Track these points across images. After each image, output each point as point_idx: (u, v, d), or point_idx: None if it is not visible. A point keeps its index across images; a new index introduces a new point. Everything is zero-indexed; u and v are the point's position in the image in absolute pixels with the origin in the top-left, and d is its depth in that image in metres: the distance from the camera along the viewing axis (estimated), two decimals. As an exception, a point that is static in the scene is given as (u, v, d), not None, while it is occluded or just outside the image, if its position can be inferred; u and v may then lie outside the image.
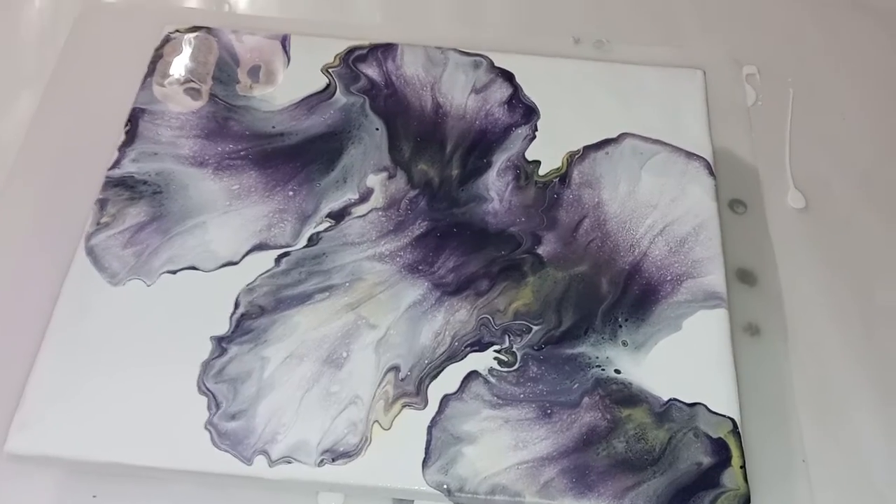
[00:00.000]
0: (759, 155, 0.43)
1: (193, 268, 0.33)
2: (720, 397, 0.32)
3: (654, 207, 0.36)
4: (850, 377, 0.36)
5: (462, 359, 0.32)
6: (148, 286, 0.33)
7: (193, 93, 0.38)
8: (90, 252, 0.34)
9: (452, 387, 0.31)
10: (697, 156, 0.38)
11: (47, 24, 0.47)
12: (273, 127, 0.37)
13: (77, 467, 0.31)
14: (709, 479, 0.30)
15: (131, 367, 0.31)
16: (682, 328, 0.33)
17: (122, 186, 0.35)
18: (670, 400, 0.31)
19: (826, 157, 0.43)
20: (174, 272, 0.33)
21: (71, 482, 0.32)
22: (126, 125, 0.37)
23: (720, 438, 0.31)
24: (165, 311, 0.32)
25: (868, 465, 0.34)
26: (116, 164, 0.36)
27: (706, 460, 0.30)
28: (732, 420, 0.31)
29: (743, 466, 0.30)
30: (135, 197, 0.35)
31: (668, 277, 0.34)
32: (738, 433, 0.31)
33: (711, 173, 0.37)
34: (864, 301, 0.38)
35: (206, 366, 0.31)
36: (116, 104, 0.41)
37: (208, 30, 0.40)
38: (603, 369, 0.32)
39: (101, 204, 0.35)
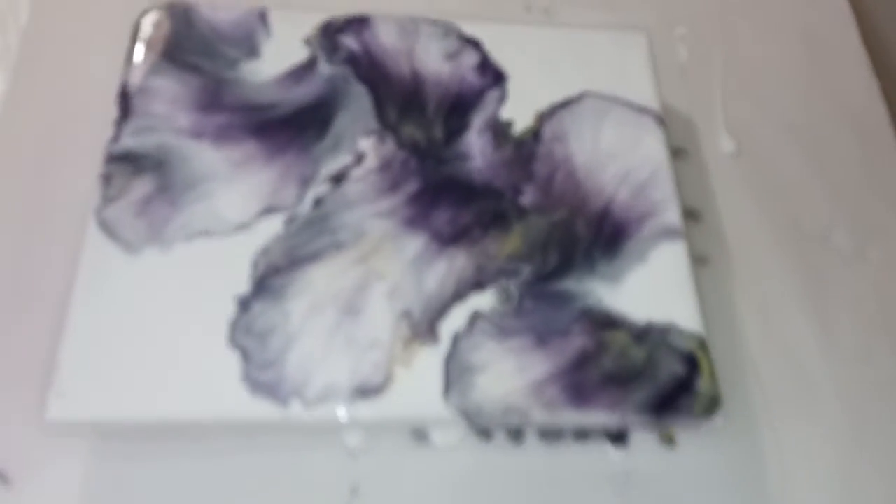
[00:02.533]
0: (694, 107, 0.48)
1: (207, 233, 0.36)
2: (687, 317, 0.37)
3: (615, 157, 0.41)
4: (786, 292, 0.42)
5: (465, 299, 0.36)
6: (164, 253, 0.35)
7: (182, 67, 0.40)
8: (102, 224, 0.35)
9: (460, 325, 0.35)
10: (648, 109, 0.42)
11: (5, 2, 0.46)
12: (264, 98, 0.39)
13: (114, 431, 0.33)
14: (686, 386, 0.35)
15: (160, 330, 0.33)
16: (648, 260, 0.38)
17: (125, 160, 0.37)
18: (647, 322, 0.36)
19: (752, 108, 0.49)
20: (189, 238, 0.35)
21: (104, 445, 0.34)
22: (118, 101, 0.38)
23: (691, 352, 0.36)
24: (185, 275, 0.35)
25: (804, 363, 0.40)
26: (115, 139, 0.37)
27: (681, 371, 0.35)
28: (700, 336, 0.36)
29: (713, 374, 0.35)
30: (138, 170, 0.37)
31: (634, 217, 0.39)
32: (706, 346, 0.36)
33: (661, 124, 0.42)
34: (793, 229, 0.44)
35: (233, 323, 0.34)
36: (90, 81, 0.42)
37: (186, 5, 0.42)
38: (586, 300, 0.36)
39: (107, 178, 0.36)
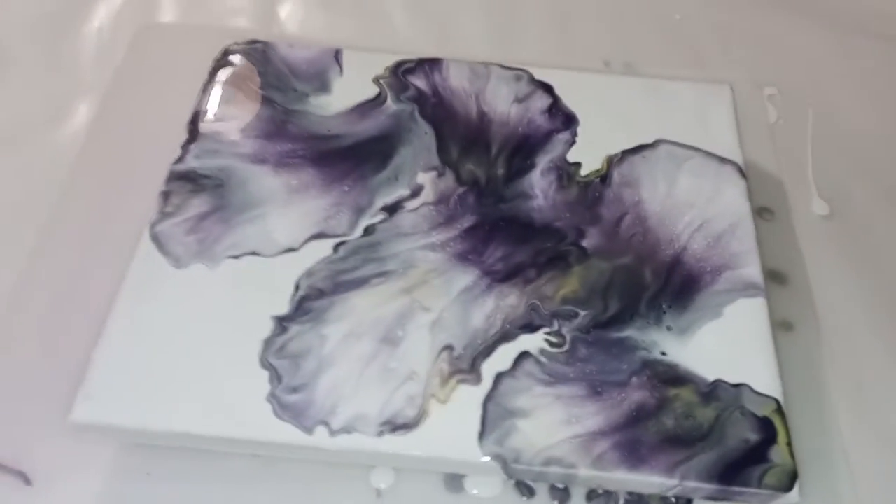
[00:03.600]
0: (783, 168, 0.45)
1: (255, 253, 0.35)
2: (763, 379, 0.33)
3: (691, 206, 0.38)
4: (882, 367, 0.37)
5: (513, 340, 0.33)
6: (211, 270, 0.34)
7: (253, 98, 0.40)
8: (155, 238, 0.35)
9: (505, 365, 0.32)
10: (729, 160, 0.40)
11: (106, 41, 0.49)
12: (328, 130, 0.40)
13: (135, 439, 0.32)
14: (757, 455, 0.31)
15: (195, 343, 0.32)
16: (723, 315, 0.34)
17: (186, 180, 0.37)
18: (716, 380, 0.32)
19: (845, 170, 0.45)
20: (236, 257, 0.35)
21: (125, 459, 0.33)
22: (189, 125, 0.39)
23: (766, 417, 0.32)
24: (227, 293, 0.34)
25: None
26: (180, 159, 0.38)
27: (753, 437, 0.31)
28: (776, 400, 0.32)
29: (790, 444, 0.31)
30: (198, 189, 0.37)
31: (708, 269, 0.36)
32: (783, 412, 0.32)
33: (743, 176, 0.39)
34: (891, 299, 0.40)
35: (267, 343, 0.32)
36: (171, 115, 0.43)
37: (265, 43, 0.43)
38: (649, 352, 0.33)
39: (166, 195, 0.37)
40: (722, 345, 0.34)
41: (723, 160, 0.40)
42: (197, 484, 0.33)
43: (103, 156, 0.43)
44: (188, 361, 0.32)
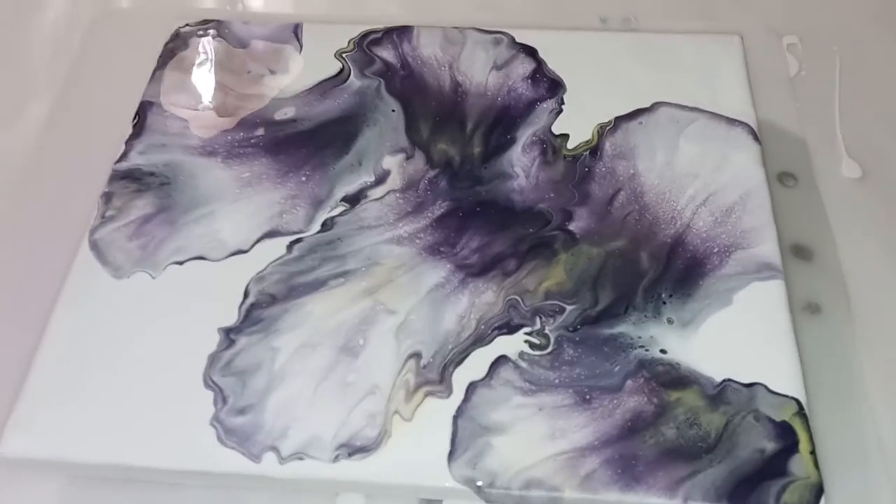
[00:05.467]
0: (807, 126, 0.40)
1: (201, 258, 0.31)
2: (781, 376, 0.28)
3: (695, 177, 0.33)
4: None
5: (489, 343, 0.29)
6: (153, 278, 0.31)
7: (204, 84, 0.37)
8: (94, 246, 0.32)
9: (479, 373, 0.28)
10: (739, 122, 0.35)
11: (61, 31, 0.46)
12: (285, 114, 0.36)
13: (76, 471, 0.29)
14: (774, 467, 0.26)
15: (135, 363, 0.29)
16: (733, 302, 0.30)
17: (129, 179, 0.34)
18: (725, 380, 0.28)
19: (879, 127, 0.40)
20: (181, 263, 0.31)
21: (72, 491, 0.30)
22: (134, 118, 0.36)
23: (784, 422, 0.27)
24: (171, 304, 0.30)
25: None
26: (123, 157, 0.34)
27: (770, 446, 0.27)
28: (797, 401, 0.27)
29: (813, 452, 0.26)
30: (142, 189, 0.33)
31: (715, 249, 0.31)
32: (805, 415, 0.27)
33: (756, 139, 0.34)
34: (937, 273, 0.34)
35: (212, 358, 0.29)
36: (129, 106, 0.40)
37: (218, 23, 0.39)
38: (647, 349, 0.29)
39: (107, 197, 0.33)
40: (732, 338, 0.29)
41: (732, 122, 0.35)
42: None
43: (57, 156, 0.40)
44: (128, 385, 0.29)
